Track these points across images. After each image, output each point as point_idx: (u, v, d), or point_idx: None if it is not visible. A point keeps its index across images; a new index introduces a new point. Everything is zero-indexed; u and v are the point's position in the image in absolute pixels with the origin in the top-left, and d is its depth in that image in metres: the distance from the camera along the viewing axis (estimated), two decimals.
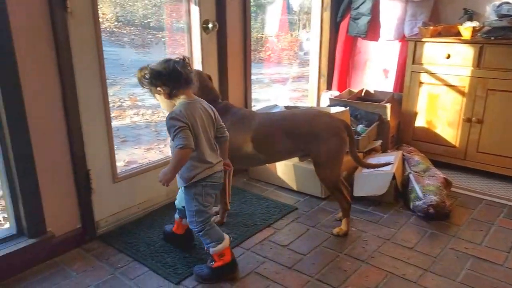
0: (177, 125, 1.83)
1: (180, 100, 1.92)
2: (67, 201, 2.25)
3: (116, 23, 8.37)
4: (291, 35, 8.46)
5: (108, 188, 2.42)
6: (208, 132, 1.97)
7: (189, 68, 1.95)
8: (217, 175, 2.00)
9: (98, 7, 2.19)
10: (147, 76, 1.87)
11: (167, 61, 1.92)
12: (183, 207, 2.08)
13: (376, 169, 2.70)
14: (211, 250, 2.00)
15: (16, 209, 2.11)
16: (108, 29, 7.51)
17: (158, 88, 1.88)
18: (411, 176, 2.77)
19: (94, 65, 2.24)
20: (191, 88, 1.97)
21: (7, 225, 2.72)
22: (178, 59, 1.93)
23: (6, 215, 2.86)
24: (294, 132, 2.27)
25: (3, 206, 3.01)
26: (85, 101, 2.22)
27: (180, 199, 2.20)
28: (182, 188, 2.01)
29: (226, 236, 2.04)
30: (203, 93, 2.30)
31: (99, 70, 2.26)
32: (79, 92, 2.18)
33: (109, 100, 2.36)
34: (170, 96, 1.90)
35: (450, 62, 3.09)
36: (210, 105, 2.05)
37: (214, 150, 2.01)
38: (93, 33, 2.20)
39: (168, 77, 1.87)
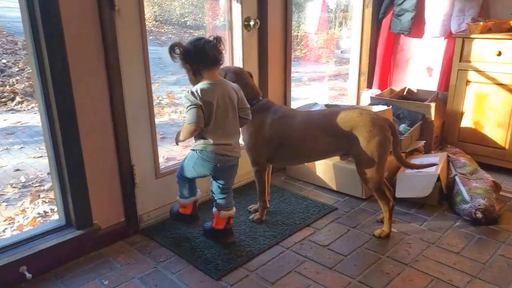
0: (190, 102, 2.01)
1: (203, 80, 2.06)
2: (112, 195, 2.30)
3: (154, 22, 8.53)
4: (327, 33, 8.37)
5: (151, 183, 2.46)
6: (227, 113, 2.08)
7: (219, 49, 2.06)
8: (212, 154, 2.10)
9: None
10: (177, 51, 2.03)
11: (198, 39, 2.05)
12: (216, 196, 2.24)
13: (420, 170, 2.63)
14: (178, 198, 2.33)
15: (65, 201, 2.18)
16: (146, 28, 7.73)
17: (186, 64, 2.06)
18: (457, 178, 2.69)
19: (139, 63, 2.28)
20: (216, 69, 2.10)
21: (54, 217, 2.84)
22: (209, 39, 2.05)
23: (53, 207, 2.98)
24: (336, 130, 2.24)
25: (51, 199, 3.13)
26: (130, 98, 2.26)
27: (213, 190, 2.24)
28: None
29: (193, 198, 2.31)
30: (244, 90, 2.32)
31: (144, 67, 2.30)
32: (125, 89, 2.22)
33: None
34: (195, 74, 2.07)
35: (501, 59, 2.97)
36: (234, 86, 2.14)
37: (229, 131, 2.12)
38: (139, 31, 2.24)
39: (195, 56, 2.03)
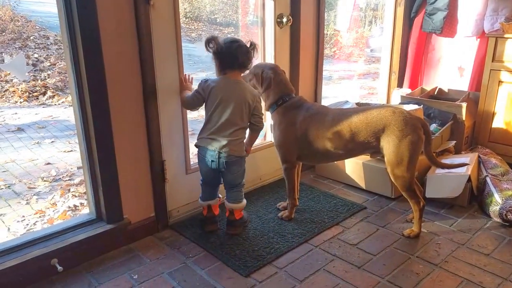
0: (197, 88, 2.24)
1: (222, 76, 2.22)
2: (143, 190, 2.33)
3: (184, 18, 8.61)
4: (357, 32, 8.30)
5: (181, 179, 2.49)
6: (229, 110, 2.17)
7: (249, 56, 2.19)
8: (204, 151, 2.21)
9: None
10: (211, 46, 2.16)
11: (234, 41, 2.16)
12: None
13: (450, 171, 2.59)
14: (198, 199, 2.40)
15: (96, 195, 2.21)
16: None
17: (215, 60, 2.20)
18: (488, 179, 2.64)
19: (173, 58, 2.30)
20: (241, 72, 2.25)
21: (84, 211, 2.89)
22: (243, 44, 2.17)
23: (83, 201, 3.04)
24: (369, 128, 2.23)
25: (80, 193, 3.20)
26: (163, 94, 2.29)
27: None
28: None
29: (210, 201, 2.36)
30: (277, 87, 2.34)
31: (177, 62, 2.32)
32: (158, 84, 2.24)
33: None
34: (219, 69, 2.22)
35: None
36: (252, 91, 2.24)
37: (225, 128, 2.18)
38: (173, 26, 2.26)
39: (225, 57, 2.17)
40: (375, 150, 2.31)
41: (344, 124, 2.27)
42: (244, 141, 2.29)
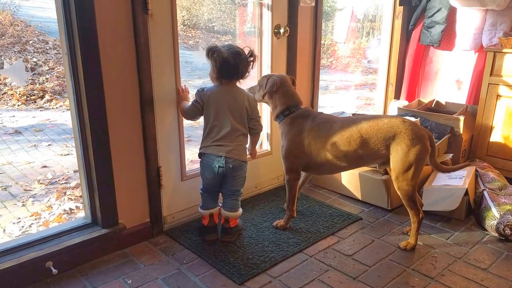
0: (194, 98, 2.26)
1: (216, 83, 2.24)
2: (138, 196, 2.32)
3: (182, 26, 8.65)
4: (354, 42, 8.35)
5: (176, 185, 2.48)
6: (231, 116, 2.20)
7: (248, 67, 2.22)
8: (211, 158, 2.21)
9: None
10: (214, 55, 2.15)
11: (237, 54, 2.17)
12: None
13: (447, 184, 2.59)
14: (198, 208, 2.38)
15: (92, 199, 2.21)
16: None
17: (215, 68, 2.18)
18: (485, 193, 2.64)
19: (170, 65, 2.31)
20: (238, 81, 2.26)
21: (80, 214, 2.88)
22: (246, 56, 2.19)
23: (79, 205, 3.03)
24: (379, 134, 2.22)
25: (76, 196, 3.18)
26: (160, 100, 2.29)
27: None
28: None
29: (211, 210, 2.34)
30: (284, 98, 2.36)
31: (175, 70, 2.33)
32: (155, 90, 2.25)
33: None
34: (216, 77, 2.21)
35: None
36: (247, 96, 2.25)
37: (230, 135, 2.20)
38: (170, 35, 2.27)
39: (224, 68, 2.16)
40: (383, 160, 2.29)
41: (354, 130, 2.25)
42: (247, 145, 2.32)
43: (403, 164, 2.20)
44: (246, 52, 2.23)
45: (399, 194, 2.28)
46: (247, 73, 2.27)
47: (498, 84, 3.10)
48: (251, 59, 2.24)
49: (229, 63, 2.15)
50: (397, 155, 2.20)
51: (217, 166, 2.20)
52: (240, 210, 2.37)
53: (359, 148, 2.25)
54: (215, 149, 2.21)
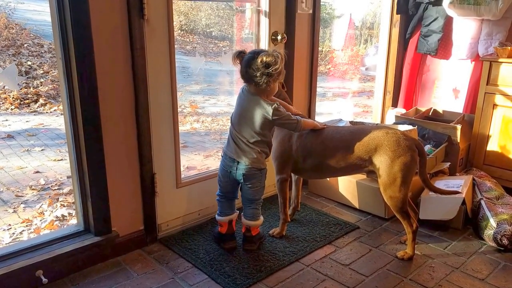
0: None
1: (244, 85, 2.21)
2: (132, 203, 2.29)
3: (179, 31, 8.64)
4: (352, 49, 8.37)
5: (171, 193, 2.45)
6: (239, 121, 2.17)
7: (259, 73, 2.07)
8: (225, 159, 2.22)
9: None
10: (244, 57, 2.11)
11: (258, 58, 2.05)
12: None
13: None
14: (216, 216, 2.34)
15: (85, 206, 2.17)
16: None
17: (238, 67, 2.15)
18: (482, 202, 2.62)
19: (166, 71, 2.28)
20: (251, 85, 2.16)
21: (72, 221, 2.83)
22: (265, 63, 2.04)
23: (71, 211, 2.98)
24: (361, 148, 2.22)
25: (69, 202, 3.13)
26: (156, 106, 2.27)
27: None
28: None
29: (230, 216, 2.32)
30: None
31: (170, 76, 2.31)
32: (150, 97, 2.22)
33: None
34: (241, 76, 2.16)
35: None
36: (266, 107, 2.12)
37: (244, 138, 2.16)
38: (167, 40, 2.25)
39: (247, 69, 2.08)
40: (368, 170, 2.29)
41: (337, 141, 2.27)
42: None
43: (388, 176, 2.18)
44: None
45: (389, 206, 2.27)
46: (257, 79, 2.16)
47: (495, 94, 3.09)
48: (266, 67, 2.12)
49: (250, 66, 2.11)
50: (382, 167, 2.19)
51: (228, 169, 2.21)
52: (261, 218, 2.34)
53: (341, 160, 2.26)
54: (229, 150, 2.22)
